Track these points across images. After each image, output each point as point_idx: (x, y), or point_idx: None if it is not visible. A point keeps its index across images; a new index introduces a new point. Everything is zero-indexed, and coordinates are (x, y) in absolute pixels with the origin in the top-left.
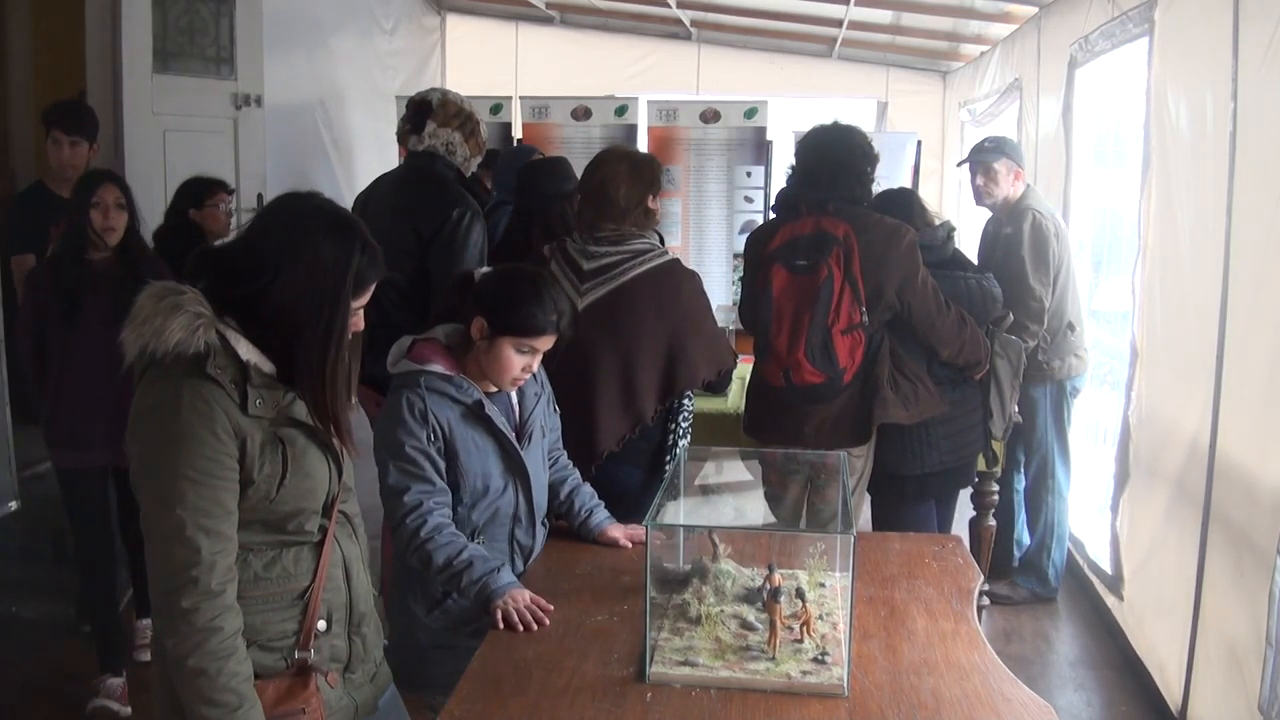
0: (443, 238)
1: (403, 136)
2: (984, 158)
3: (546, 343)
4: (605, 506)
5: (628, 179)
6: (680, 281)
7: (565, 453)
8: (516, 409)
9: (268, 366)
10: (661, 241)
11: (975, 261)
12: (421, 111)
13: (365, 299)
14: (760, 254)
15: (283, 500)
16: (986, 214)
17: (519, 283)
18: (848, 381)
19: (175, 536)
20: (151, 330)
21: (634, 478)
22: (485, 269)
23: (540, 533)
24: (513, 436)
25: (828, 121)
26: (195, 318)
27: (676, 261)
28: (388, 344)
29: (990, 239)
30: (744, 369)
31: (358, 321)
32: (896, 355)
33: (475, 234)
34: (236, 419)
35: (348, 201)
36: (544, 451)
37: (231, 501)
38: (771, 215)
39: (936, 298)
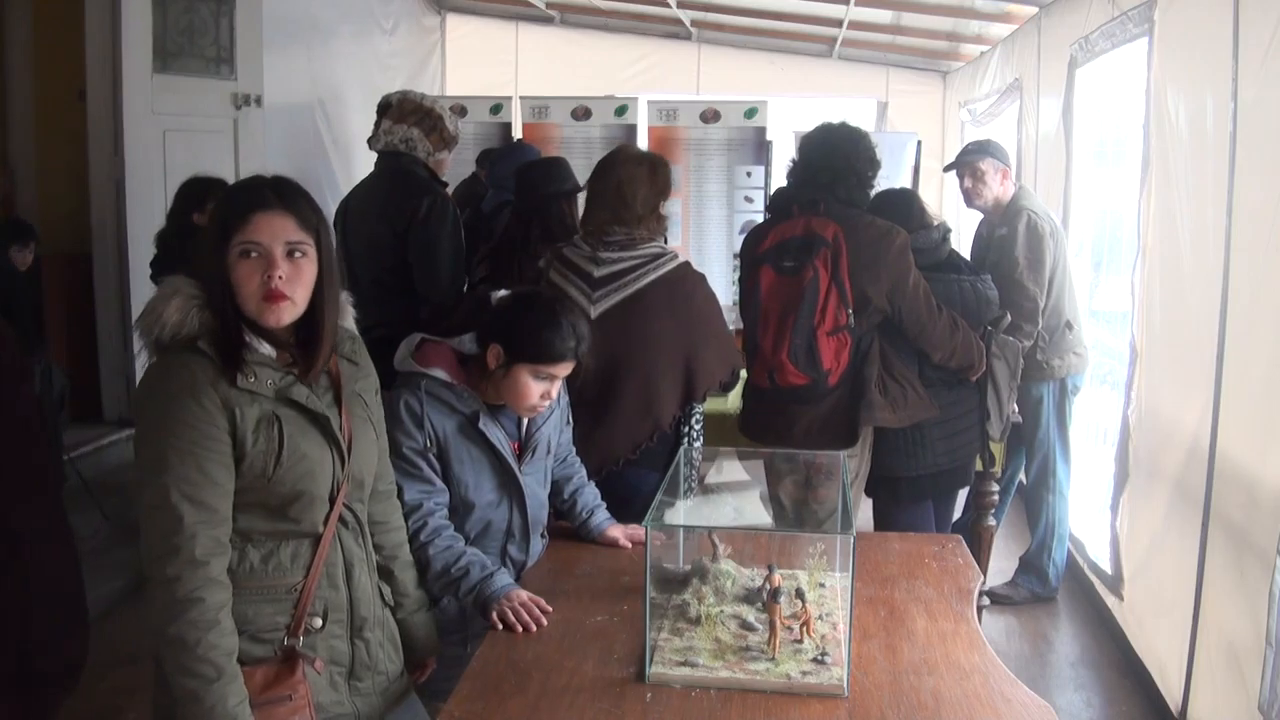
0: (415, 229)
1: (370, 140)
2: (969, 159)
3: (565, 369)
4: (620, 510)
5: (646, 182)
6: (694, 285)
7: (574, 450)
8: (524, 422)
9: (265, 347)
10: (665, 243)
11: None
12: (381, 112)
13: (250, 233)
14: (752, 255)
15: (280, 480)
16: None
17: (535, 309)
18: (834, 384)
19: (160, 504)
20: (153, 318)
21: (649, 481)
22: (502, 292)
23: (537, 546)
24: (512, 452)
25: (835, 121)
26: (189, 300)
27: (688, 264)
28: (382, 342)
29: (983, 241)
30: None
31: (272, 266)
32: (887, 358)
33: (447, 221)
34: (225, 391)
35: None
36: (547, 467)
37: (219, 473)
38: (767, 216)
39: (928, 302)
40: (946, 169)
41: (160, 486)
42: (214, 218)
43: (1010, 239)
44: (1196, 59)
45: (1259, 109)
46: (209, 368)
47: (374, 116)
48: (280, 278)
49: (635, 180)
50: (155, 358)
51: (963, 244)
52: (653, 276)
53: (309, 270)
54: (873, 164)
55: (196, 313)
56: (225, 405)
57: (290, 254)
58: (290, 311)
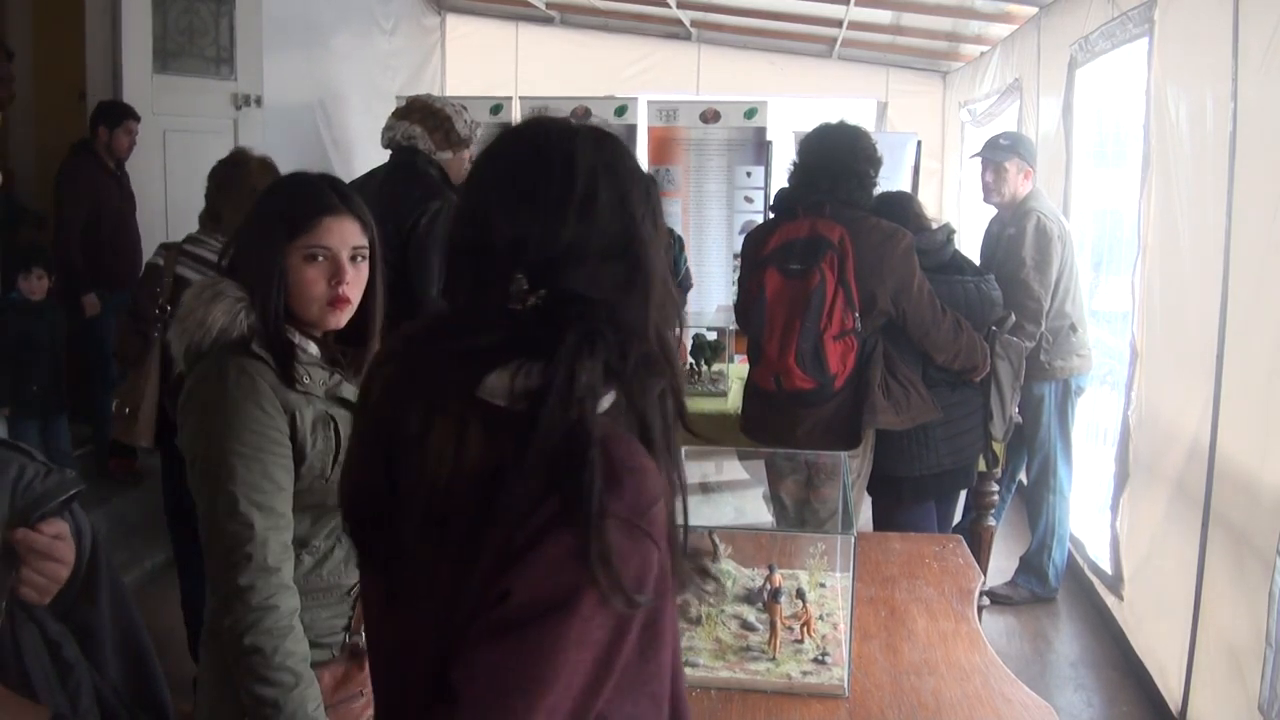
0: (418, 231)
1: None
2: (997, 156)
3: None
4: None
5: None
6: None
7: None
8: None
9: (312, 347)
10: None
11: (977, 262)
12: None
13: (320, 237)
14: (756, 256)
15: (338, 480)
16: (988, 214)
17: None
18: (839, 387)
19: (228, 513)
20: (195, 322)
21: None
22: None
23: None
24: None
25: (833, 121)
26: (236, 302)
27: None
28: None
29: (993, 239)
30: (742, 369)
31: (341, 272)
32: (890, 359)
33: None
34: (284, 394)
35: None
36: None
37: (284, 477)
38: (769, 216)
39: (932, 304)
40: (973, 156)
41: (229, 496)
42: (273, 217)
43: (1018, 239)
44: (1196, 59)
45: (1259, 109)
46: (267, 371)
47: (374, 116)
48: (348, 284)
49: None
50: (194, 362)
51: (968, 242)
52: None
53: (365, 272)
54: (873, 162)
55: (244, 315)
56: (285, 408)
57: (353, 258)
58: (348, 314)
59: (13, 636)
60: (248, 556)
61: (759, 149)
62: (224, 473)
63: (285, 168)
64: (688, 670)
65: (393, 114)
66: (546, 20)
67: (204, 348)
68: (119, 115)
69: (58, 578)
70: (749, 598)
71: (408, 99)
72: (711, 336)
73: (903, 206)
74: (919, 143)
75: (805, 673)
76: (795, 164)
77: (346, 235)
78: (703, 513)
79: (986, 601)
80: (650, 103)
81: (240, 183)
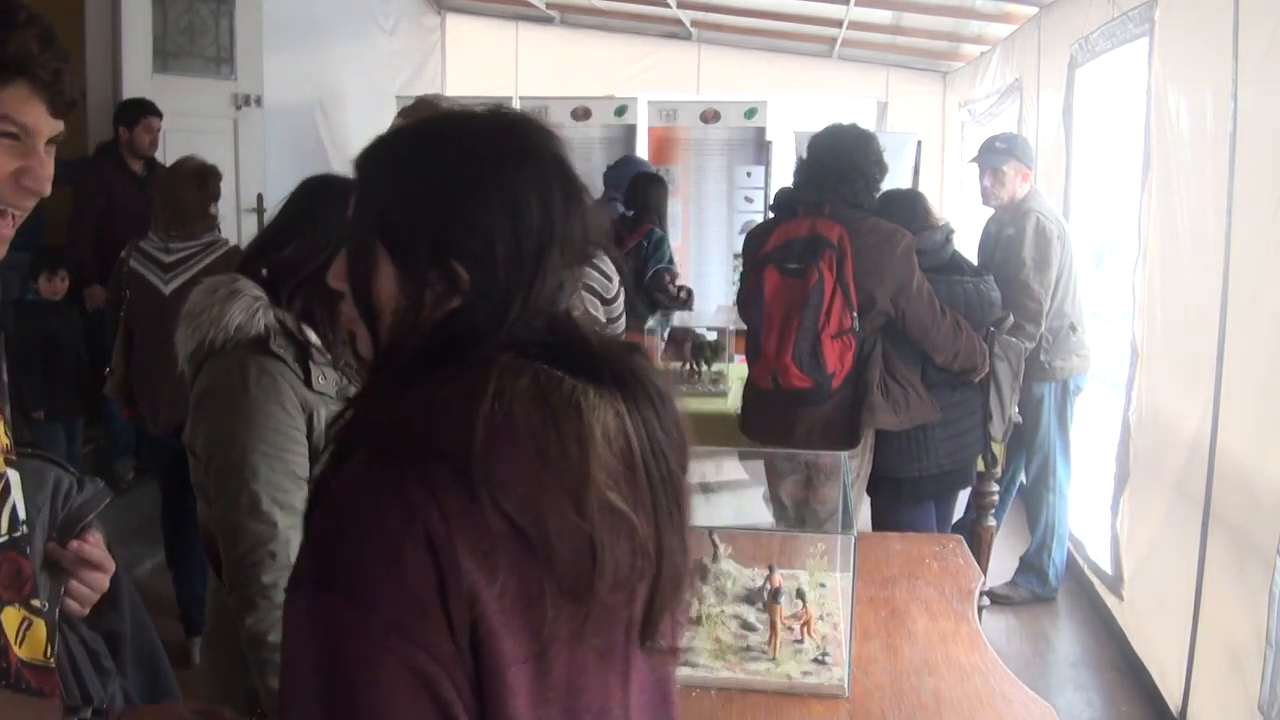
0: None
1: None
2: (993, 161)
3: None
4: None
5: (197, 193)
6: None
7: None
8: None
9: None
10: None
11: (975, 262)
12: None
13: None
14: (756, 255)
15: None
16: (987, 215)
17: None
18: (837, 386)
19: (250, 511)
20: (209, 319)
21: None
22: None
23: None
24: None
25: (845, 122)
26: (254, 300)
27: (236, 247)
28: None
29: (991, 239)
30: (742, 369)
31: None
32: (889, 360)
33: None
34: (302, 393)
35: None
36: None
37: (304, 475)
38: (769, 215)
39: (931, 304)
40: (971, 161)
41: (251, 494)
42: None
43: (1017, 239)
44: (1196, 59)
45: (1259, 109)
46: (286, 371)
47: (374, 116)
48: None
49: (188, 194)
50: (206, 361)
51: (967, 243)
52: (212, 258)
53: None
54: (880, 167)
55: (263, 313)
56: (304, 407)
57: None
58: None
59: (68, 653)
60: (271, 554)
61: (759, 149)
62: (247, 471)
63: (285, 168)
64: (687, 670)
65: (399, 113)
66: (546, 20)
67: (218, 345)
68: (135, 113)
69: (101, 587)
70: (749, 598)
71: (415, 98)
72: (711, 337)
73: (910, 204)
74: (919, 143)
75: (805, 673)
76: (803, 160)
77: None
78: (703, 513)
79: (986, 601)
80: (650, 103)
81: (168, 185)
